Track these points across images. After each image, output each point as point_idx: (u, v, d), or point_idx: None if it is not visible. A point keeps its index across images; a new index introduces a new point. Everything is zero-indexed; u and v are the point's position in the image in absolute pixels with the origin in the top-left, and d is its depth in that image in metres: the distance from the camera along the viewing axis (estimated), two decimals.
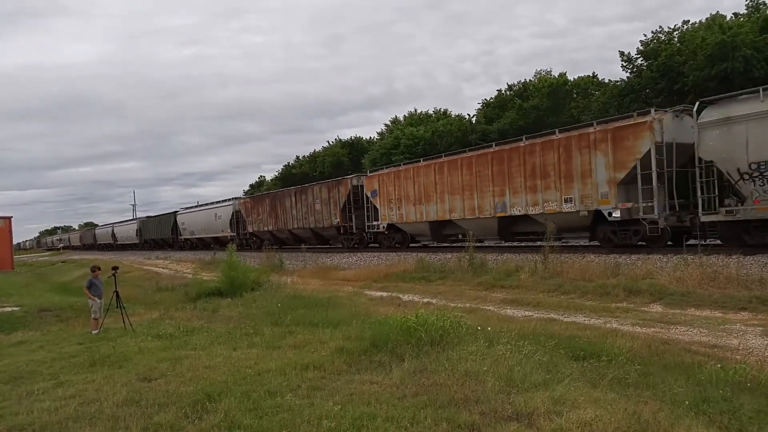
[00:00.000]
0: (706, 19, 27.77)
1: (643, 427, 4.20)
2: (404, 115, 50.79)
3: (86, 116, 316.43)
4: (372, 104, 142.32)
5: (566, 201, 16.93)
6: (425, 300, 12.77)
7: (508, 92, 42.00)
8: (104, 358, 7.76)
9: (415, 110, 50.62)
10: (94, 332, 10.64)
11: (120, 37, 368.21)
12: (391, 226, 24.90)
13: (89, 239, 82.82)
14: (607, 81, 35.52)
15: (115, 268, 11.56)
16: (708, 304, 9.94)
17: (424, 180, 22.52)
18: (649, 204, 14.75)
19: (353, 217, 27.05)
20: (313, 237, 31.06)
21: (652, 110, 15.22)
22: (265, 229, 34.98)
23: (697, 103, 14.32)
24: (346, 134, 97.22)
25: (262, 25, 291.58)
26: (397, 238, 25.21)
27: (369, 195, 25.96)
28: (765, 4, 27.53)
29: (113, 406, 5.47)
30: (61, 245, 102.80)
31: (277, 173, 65.86)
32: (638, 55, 29.23)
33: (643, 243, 15.91)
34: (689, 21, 29.27)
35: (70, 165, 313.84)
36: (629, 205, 15.31)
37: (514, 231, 19.94)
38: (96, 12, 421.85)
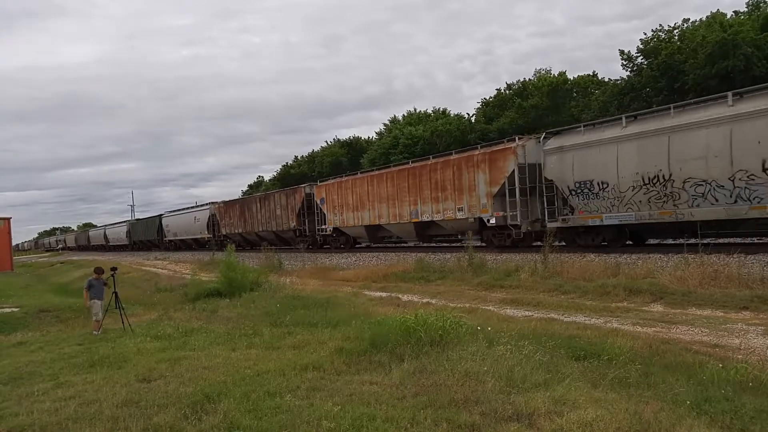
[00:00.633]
0: (707, 17, 27.75)
1: (644, 427, 4.18)
2: (403, 115, 50.81)
3: (85, 117, 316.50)
4: (370, 104, 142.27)
5: (459, 210, 20.50)
6: (425, 300, 12.73)
7: (507, 91, 41.97)
8: (103, 359, 7.74)
9: (414, 110, 50.63)
10: (95, 333, 10.63)
11: (118, 37, 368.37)
12: (336, 230, 28.21)
13: (83, 241, 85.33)
14: (607, 80, 35.51)
15: (114, 269, 11.57)
16: (709, 303, 9.89)
17: (359, 190, 25.95)
18: (514, 213, 18.17)
19: (306, 221, 30.39)
20: (275, 239, 33.98)
21: (516, 138, 19.09)
22: (236, 231, 38.14)
23: (544, 133, 17.95)
24: (345, 134, 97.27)
25: (260, 25, 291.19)
26: (342, 240, 28.42)
27: (318, 202, 29.43)
28: (765, 2, 27.52)
29: (113, 406, 5.47)
30: (60, 246, 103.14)
31: (275, 173, 65.96)
32: (638, 54, 29.17)
33: (515, 245, 19.11)
34: (689, 19, 29.26)
35: (68, 166, 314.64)
36: (501, 213, 18.73)
37: (428, 234, 23.55)
38: (94, 13, 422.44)
